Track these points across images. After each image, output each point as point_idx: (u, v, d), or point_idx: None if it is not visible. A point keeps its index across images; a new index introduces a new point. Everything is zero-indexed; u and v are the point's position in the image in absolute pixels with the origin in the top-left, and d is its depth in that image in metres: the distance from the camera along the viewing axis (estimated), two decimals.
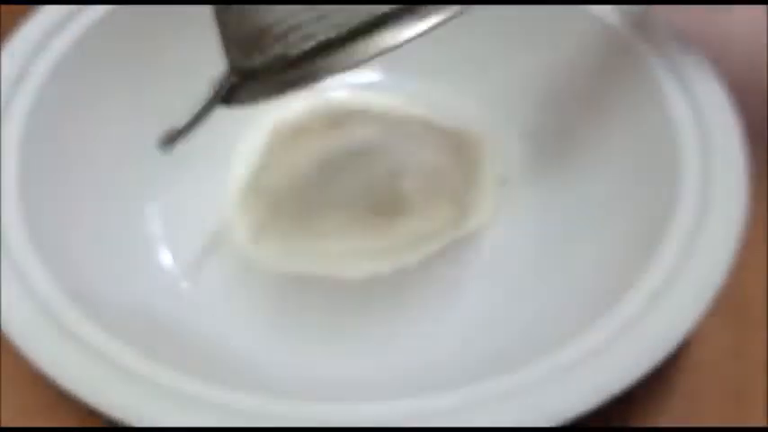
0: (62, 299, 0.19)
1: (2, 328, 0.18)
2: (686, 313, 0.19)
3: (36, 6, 0.25)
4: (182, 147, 0.26)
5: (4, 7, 0.35)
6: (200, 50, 0.27)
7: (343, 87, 0.30)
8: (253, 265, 0.25)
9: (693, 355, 0.24)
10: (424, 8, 0.17)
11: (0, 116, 0.22)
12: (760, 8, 0.37)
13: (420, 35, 0.17)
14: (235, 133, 0.28)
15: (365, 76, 0.30)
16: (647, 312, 0.19)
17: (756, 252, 0.26)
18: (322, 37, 0.17)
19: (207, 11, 0.26)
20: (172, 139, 0.21)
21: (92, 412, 0.21)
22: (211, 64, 0.28)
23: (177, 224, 0.26)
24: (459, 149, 0.28)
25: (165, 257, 0.25)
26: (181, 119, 0.24)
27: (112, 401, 0.17)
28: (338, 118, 0.28)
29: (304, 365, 0.22)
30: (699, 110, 0.23)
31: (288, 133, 0.28)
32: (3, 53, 0.24)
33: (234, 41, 0.19)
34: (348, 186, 0.26)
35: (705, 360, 0.24)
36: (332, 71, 0.17)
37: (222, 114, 0.28)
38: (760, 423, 0.22)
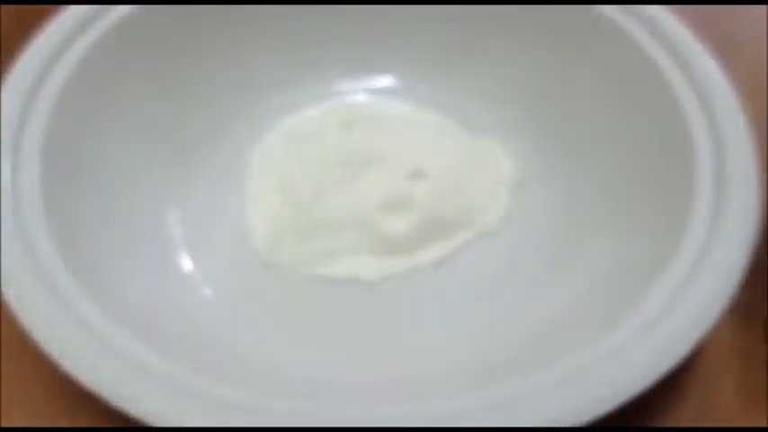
0: (86, 301, 0.19)
1: (27, 330, 0.19)
2: (704, 315, 0.19)
3: (57, 7, 0.25)
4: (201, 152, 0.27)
5: (27, 8, 0.35)
6: (221, 59, 0.28)
7: (357, 92, 0.31)
8: (271, 267, 0.26)
9: (705, 355, 0.24)
10: None
11: (21, 122, 0.22)
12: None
13: None
14: (253, 138, 0.29)
15: (379, 81, 0.31)
16: (664, 316, 0.19)
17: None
18: None
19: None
20: None
21: (106, 417, 0.22)
22: (234, 69, 0.29)
23: (197, 229, 0.26)
24: (472, 151, 0.28)
25: (186, 261, 0.25)
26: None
27: (134, 401, 0.18)
28: (353, 121, 0.29)
29: (321, 366, 0.22)
30: (710, 112, 0.23)
31: (304, 137, 0.29)
32: (22, 59, 0.24)
33: None
34: (364, 188, 0.26)
35: (716, 360, 0.24)
36: None
37: (239, 118, 0.29)
38: None
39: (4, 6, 0.36)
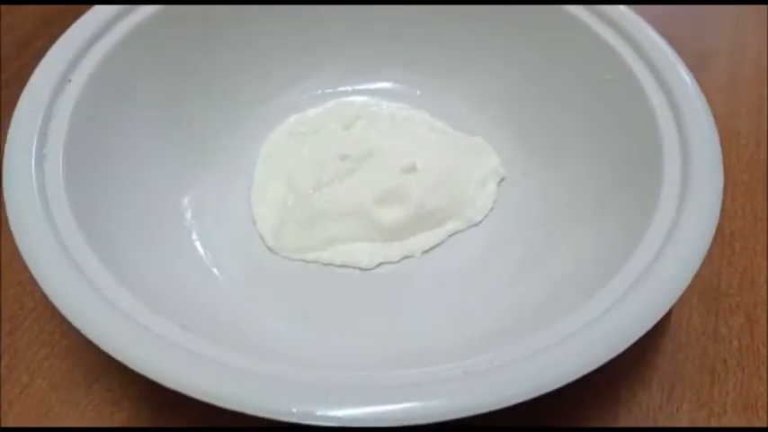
0: (109, 280, 0.20)
1: (58, 308, 0.20)
2: (668, 293, 0.20)
3: (81, 8, 0.27)
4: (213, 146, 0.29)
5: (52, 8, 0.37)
6: (233, 64, 0.30)
7: (356, 94, 0.33)
8: (275, 252, 0.27)
9: (675, 339, 0.26)
10: None
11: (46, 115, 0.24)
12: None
13: None
14: (260, 134, 0.31)
15: (376, 85, 0.33)
16: (633, 291, 0.20)
17: (732, 247, 0.28)
18: None
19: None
20: None
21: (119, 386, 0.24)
22: (244, 73, 0.31)
23: (208, 216, 0.28)
24: (460, 148, 0.30)
25: (197, 244, 0.27)
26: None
27: (153, 368, 0.19)
28: (351, 120, 0.31)
29: (317, 339, 0.24)
30: (682, 123, 0.24)
31: (307, 133, 0.31)
32: (49, 55, 0.25)
33: None
34: (361, 181, 0.28)
35: (685, 343, 0.26)
36: None
37: (248, 115, 0.31)
38: (732, 397, 0.24)
39: (30, 6, 0.38)
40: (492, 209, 0.29)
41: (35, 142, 0.23)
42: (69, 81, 0.25)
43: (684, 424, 0.24)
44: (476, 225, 0.28)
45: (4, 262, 0.27)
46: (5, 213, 0.21)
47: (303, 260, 0.27)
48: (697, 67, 0.26)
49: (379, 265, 0.27)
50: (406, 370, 0.19)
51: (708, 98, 0.25)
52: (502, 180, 0.30)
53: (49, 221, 0.21)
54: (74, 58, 0.25)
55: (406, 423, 0.18)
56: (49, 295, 0.20)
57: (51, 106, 0.24)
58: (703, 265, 0.21)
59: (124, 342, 0.19)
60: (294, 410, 0.18)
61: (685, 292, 0.20)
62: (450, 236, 0.28)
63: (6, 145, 0.23)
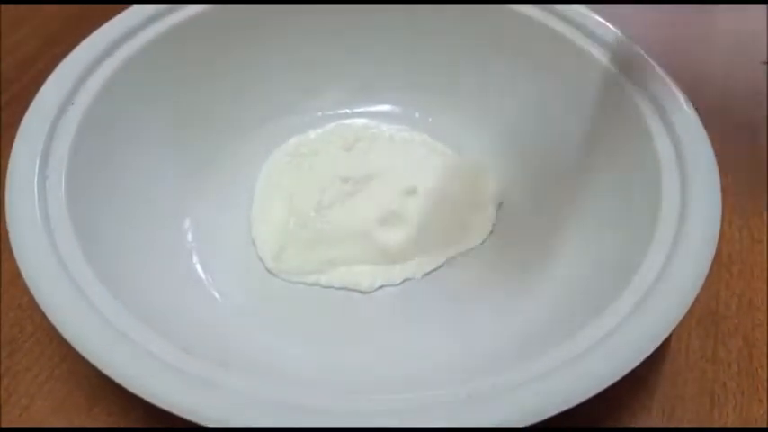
0: (110, 302, 0.20)
1: (59, 330, 0.20)
2: (668, 317, 0.20)
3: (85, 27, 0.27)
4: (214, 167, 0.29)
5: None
6: (235, 85, 0.31)
7: (357, 117, 0.33)
8: (275, 274, 0.27)
9: (674, 362, 0.26)
10: None
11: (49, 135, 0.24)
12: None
13: None
14: (261, 155, 0.31)
15: (377, 108, 0.33)
16: (634, 315, 0.20)
17: (730, 270, 0.28)
18: None
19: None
20: None
21: (121, 410, 0.23)
22: (247, 94, 0.31)
23: (209, 238, 0.28)
24: (460, 171, 0.30)
25: (198, 267, 0.27)
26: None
27: (154, 391, 0.19)
28: (351, 142, 0.31)
29: (316, 362, 0.24)
30: (679, 146, 0.24)
31: (308, 155, 0.31)
32: (52, 77, 0.25)
33: None
34: (362, 203, 0.28)
35: (684, 366, 0.26)
36: None
37: (249, 137, 0.31)
38: (732, 419, 0.24)
39: (32, 26, 0.39)
40: (491, 231, 0.29)
41: (38, 163, 0.23)
42: (72, 104, 0.25)
43: None
44: (475, 248, 0.28)
45: (4, 285, 0.27)
46: (6, 235, 0.21)
47: (303, 283, 0.27)
48: (690, 90, 0.26)
49: (380, 287, 0.27)
50: (407, 393, 0.19)
51: (702, 120, 0.25)
52: (501, 204, 0.30)
53: (50, 243, 0.21)
54: (77, 80, 0.25)
55: None
56: (50, 317, 0.20)
57: (54, 128, 0.24)
58: (702, 288, 0.21)
59: (125, 366, 0.19)
60: None
61: (684, 316, 0.20)
62: (450, 258, 0.28)
63: (9, 165, 0.23)
